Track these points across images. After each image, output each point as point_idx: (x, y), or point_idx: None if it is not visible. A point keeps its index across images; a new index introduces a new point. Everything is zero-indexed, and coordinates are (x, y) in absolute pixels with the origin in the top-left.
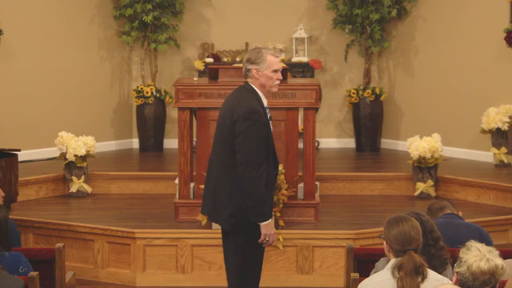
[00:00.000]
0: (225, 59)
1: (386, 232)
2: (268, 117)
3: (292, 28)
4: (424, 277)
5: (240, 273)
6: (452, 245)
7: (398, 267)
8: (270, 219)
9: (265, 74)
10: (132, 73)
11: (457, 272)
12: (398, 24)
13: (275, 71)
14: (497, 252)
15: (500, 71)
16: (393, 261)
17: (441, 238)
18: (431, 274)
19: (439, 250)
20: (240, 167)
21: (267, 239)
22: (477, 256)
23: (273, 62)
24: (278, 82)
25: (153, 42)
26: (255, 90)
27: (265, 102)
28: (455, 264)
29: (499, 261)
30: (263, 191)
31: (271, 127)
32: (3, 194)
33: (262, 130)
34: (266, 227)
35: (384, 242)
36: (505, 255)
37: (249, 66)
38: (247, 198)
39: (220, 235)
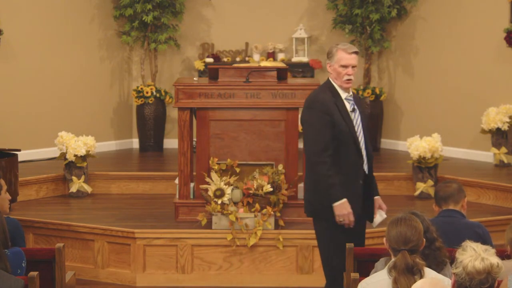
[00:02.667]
0: (225, 59)
1: (387, 230)
2: (350, 108)
3: (292, 28)
4: (421, 277)
5: (326, 259)
6: (452, 246)
7: (393, 267)
8: (342, 200)
9: (335, 69)
10: (132, 73)
11: (454, 273)
12: (398, 24)
13: (343, 66)
14: (493, 251)
15: (500, 71)
16: (391, 261)
17: (439, 238)
18: (432, 274)
19: (434, 251)
20: (304, 155)
21: (341, 220)
22: (472, 256)
23: (342, 57)
24: (347, 77)
25: (153, 42)
26: (330, 82)
27: (344, 94)
28: (452, 265)
29: (494, 259)
30: (327, 174)
31: (355, 118)
32: (10, 197)
33: (323, 118)
34: (338, 208)
35: (385, 240)
36: (502, 254)
37: (327, 61)
38: (316, 184)
39: (219, 235)
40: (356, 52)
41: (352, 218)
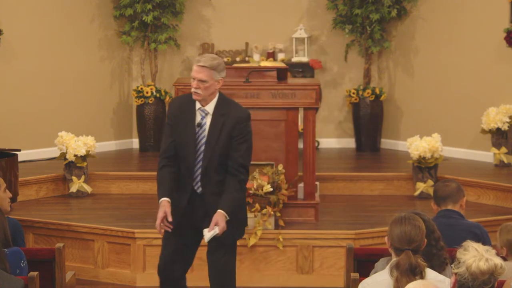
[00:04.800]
0: (225, 59)
1: (390, 229)
2: (198, 121)
3: (292, 28)
4: (422, 278)
5: None
6: (450, 246)
7: (395, 267)
8: (160, 201)
9: None
10: (132, 73)
11: (455, 273)
12: (398, 24)
13: (192, 78)
14: (493, 251)
15: (500, 71)
16: (392, 260)
17: (441, 238)
18: (432, 274)
19: (439, 250)
20: None
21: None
22: (476, 256)
23: (192, 69)
24: (193, 90)
25: (153, 42)
26: None
27: (198, 105)
28: (452, 265)
29: (498, 260)
30: (158, 173)
31: (199, 133)
32: (10, 195)
33: (168, 123)
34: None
35: (386, 239)
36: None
37: None
38: None
39: None
40: (203, 66)
41: (157, 222)
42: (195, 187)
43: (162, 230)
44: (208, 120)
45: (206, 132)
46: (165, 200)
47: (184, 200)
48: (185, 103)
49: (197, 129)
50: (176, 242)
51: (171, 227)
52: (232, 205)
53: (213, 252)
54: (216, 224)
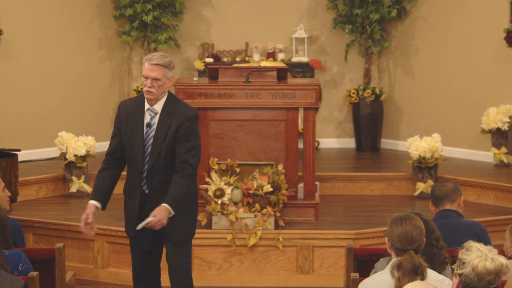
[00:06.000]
0: (225, 59)
1: (390, 229)
2: (147, 122)
3: (292, 28)
4: (423, 278)
5: None
6: (451, 246)
7: (397, 267)
8: (88, 203)
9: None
10: (132, 73)
11: (459, 274)
12: (398, 24)
13: (144, 77)
14: (496, 251)
15: (500, 71)
16: (393, 260)
17: (441, 237)
18: (432, 274)
19: (439, 250)
20: None
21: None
22: (480, 256)
23: (144, 67)
24: (146, 89)
25: (153, 42)
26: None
27: (147, 105)
28: (453, 266)
29: (503, 259)
30: (97, 176)
31: (147, 133)
32: (9, 194)
33: (115, 125)
34: None
35: (387, 239)
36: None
37: None
38: None
39: (219, 235)
40: (156, 64)
41: (82, 223)
42: (143, 188)
43: (92, 232)
44: (156, 120)
45: (153, 133)
46: (90, 203)
47: (136, 203)
48: (133, 106)
49: (146, 129)
50: (139, 248)
51: (93, 228)
52: (176, 200)
53: (169, 252)
54: (154, 216)
